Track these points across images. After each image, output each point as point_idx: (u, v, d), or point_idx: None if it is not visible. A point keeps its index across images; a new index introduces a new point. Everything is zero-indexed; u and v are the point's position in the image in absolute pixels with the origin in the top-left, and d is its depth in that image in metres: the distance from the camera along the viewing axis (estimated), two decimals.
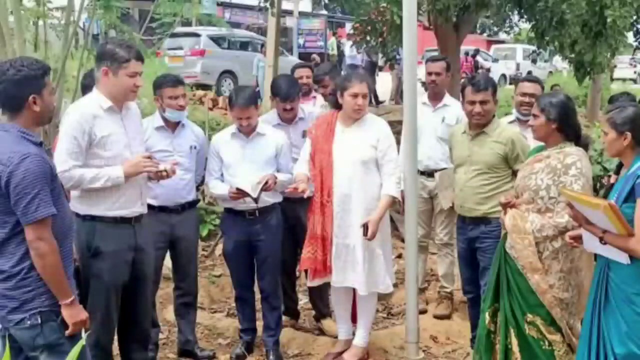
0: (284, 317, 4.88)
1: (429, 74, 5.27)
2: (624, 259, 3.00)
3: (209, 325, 5.08)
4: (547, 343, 3.58)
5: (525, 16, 9.67)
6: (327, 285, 4.55)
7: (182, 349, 4.58)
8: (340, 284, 4.36)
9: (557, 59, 20.35)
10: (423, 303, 5.34)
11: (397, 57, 11.85)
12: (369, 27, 10.13)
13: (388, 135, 4.34)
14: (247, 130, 4.40)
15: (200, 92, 11.78)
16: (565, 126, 3.57)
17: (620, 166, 3.80)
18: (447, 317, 5.26)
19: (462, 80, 6.58)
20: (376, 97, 15.02)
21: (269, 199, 4.41)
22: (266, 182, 4.24)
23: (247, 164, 4.38)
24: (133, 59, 3.56)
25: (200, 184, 4.75)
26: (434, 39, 10.75)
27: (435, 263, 5.76)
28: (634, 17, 9.60)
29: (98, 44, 4.91)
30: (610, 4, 8.11)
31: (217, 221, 6.19)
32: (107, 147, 3.56)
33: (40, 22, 6.93)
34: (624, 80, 26.10)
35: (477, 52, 23.08)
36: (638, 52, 11.98)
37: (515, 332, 3.63)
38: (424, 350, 4.66)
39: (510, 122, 4.66)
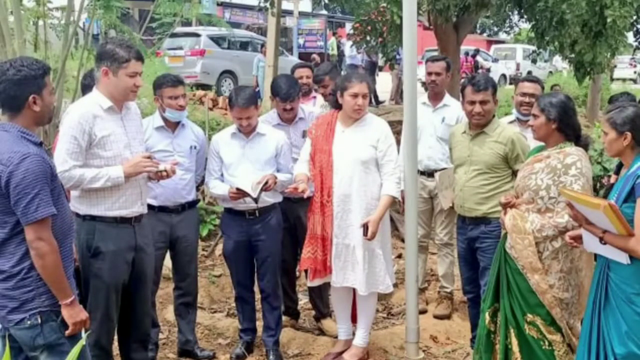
0: (284, 317, 4.88)
1: (429, 74, 5.27)
2: (624, 259, 3.00)
3: (209, 325, 5.08)
4: (547, 343, 3.58)
5: (525, 16, 9.66)
6: (327, 285, 4.55)
7: (182, 349, 4.59)
8: (340, 284, 4.36)
9: (557, 59, 20.36)
10: (423, 303, 5.34)
11: (397, 57, 11.83)
12: (369, 27, 10.13)
13: (388, 135, 4.34)
14: (247, 130, 4.40)
15: (200, 92, 11.74)
16: (565, 126, 3.57)
17: (620, 166, 3.80)
18: (447, 317, 5.26)
19: (462, 80, 6.58)
20: (376, 97, 15.01)
21: (269, 199, 4.41)
22: (266, 182, 4.24)
23: (247, 164, 4.38)
24: (133, 59, 3.56)
25: (200, 184, 4.75)
26: (434, 39, 10.75)
27: (435, 263, 5.76)
28: (634, 17, 9.60)
29: (98, 44, 4.90)
30: (610, 4, 8.10)
31: (217, 221, 6.19)
32: (107, 147, 3.56)
33: (40, 22, 6.93)
34: (624, 80, 26.15)
35: (477, 52, 23.10)
36: (638, 52, 11.95)
37: (515, 332, 3.63)
38: (424, 350, 4.66)
39: (510, 122, 4.66)
